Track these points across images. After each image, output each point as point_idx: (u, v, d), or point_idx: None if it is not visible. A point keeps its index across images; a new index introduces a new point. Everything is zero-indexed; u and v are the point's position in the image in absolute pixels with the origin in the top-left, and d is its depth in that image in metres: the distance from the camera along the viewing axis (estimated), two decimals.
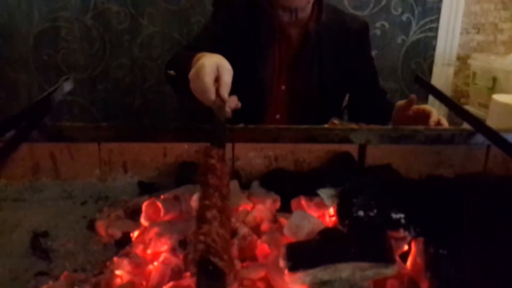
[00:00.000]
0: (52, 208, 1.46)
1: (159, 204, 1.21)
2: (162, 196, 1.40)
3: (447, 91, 3.92)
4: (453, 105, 1.74)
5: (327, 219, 1.27)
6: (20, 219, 1.38)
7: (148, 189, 1.59)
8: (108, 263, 1.16)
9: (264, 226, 1.30)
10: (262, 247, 1.14)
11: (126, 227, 1.25)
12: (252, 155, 1.66)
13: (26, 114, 1.57)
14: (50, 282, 1.08)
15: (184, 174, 1.61)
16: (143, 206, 1.22)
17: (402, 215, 1.08)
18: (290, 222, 1.14)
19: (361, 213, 1.15)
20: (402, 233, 1.06)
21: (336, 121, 2.19)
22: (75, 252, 1.22)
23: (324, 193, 1.22)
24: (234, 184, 1.50)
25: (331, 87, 2.17)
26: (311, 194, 1.29)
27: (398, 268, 0.97)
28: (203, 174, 1.04)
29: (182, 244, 1.12)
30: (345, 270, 0.93)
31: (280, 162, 1.67)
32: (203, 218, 0.88)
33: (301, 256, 0.95)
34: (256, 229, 1.30)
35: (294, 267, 0.93)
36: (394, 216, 1.08)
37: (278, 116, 2.22)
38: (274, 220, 1.33)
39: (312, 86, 2.15)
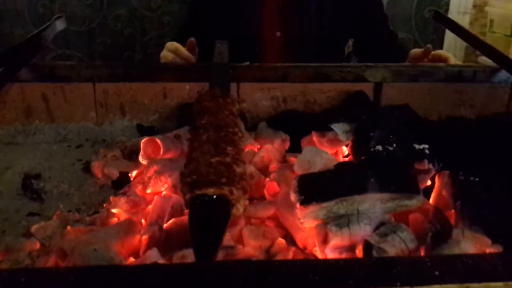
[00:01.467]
0: (46, 151, 1.37)
1: (159, 141, 1.11)
2: None
3: (462, 41, 3.75)
4: (475, 40, 1.61)
5: (340, 157, 1.17)
6: (11, 161, 1.29)
7: (147, 133, 1.49)
8: (105, 204, 1.08)
9: (273, 166, 1.20)
10: (270, 185, 1.05)
11: (123, 167, 1.16)
12: (259, 96, 1.55)
13: (15, 53, 1.46)
14: (42, 223, 0.99)
15: (186, 117, 1.50)
16: (141, 144, 1.13)
17: (426, 146, 0.98)
18: (301, 157, 1.04)
19: (379, 147, 1.04)
20: (426, 165, 0.95)
21: None
22: (69, 193, 1.14)
23: (339, 127, 1.12)
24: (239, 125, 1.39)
25: (332, 31, 2.01)
26: (321, 129, 1.18)
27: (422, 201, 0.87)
28: (195, 116, 0.94)
29: (183, 174, 1.02)
30: (363, 203, 0.84)
31: (289, 103, 1.56)
32: (188, 159, 0.78)
33: (314, 188, 0.85)
34: (264, 171, 1.21)
35: (306, 200, 0.84)
36: (417, 147, 0.97)
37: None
38: (284, 161, 1.24)
39: (310, 32, 1.99)
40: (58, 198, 1.11)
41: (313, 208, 0.84)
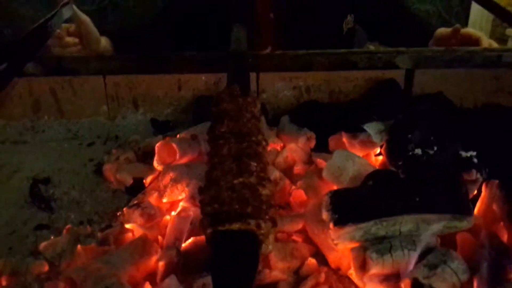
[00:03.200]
0: (56, 150, 1.29)
1: (174, 145, 1.02)
2: (178, 136, 1.22)
3: (489, 14, 3.55)
4: (503, 12, 1.46)
5: (373, 158, 1.07)
6: (19, 163, 1.22)
7: (162, 127, 1.41)
8: (118, 214, 1.00)
9: (298, 168, 1.11)
10: (297, 193, 0.96)
11: (137, 172, 1.07)
12: (280, 86, 1.44)
13: (20, 46, 1.37)
14: (52, 237, 0.92)
15: (202, 110, 1.41)
16: (156, 148, 1.04)
17: (473, 153, 0.87)
18: (330, 163, 0.94)
19: (418, 151, 0.94)
20: (474, 175, 0.85)
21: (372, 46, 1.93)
22: (81, 201, 1.06)
23: (371, 127, 1.01)
24: (261, 121, 1.29)
25: (326, 6, 1.83)
26: (352, 130, 1.07)
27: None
28: (214, 122, 0.84)
29: (201, 190, 0.93)
30: (406, 223, 0.74)
31: (313, 93, 1.45)
32: (207, 180, 0.69)
33: (349, 206, 0.76)
34: (288, 172, 1.12)
35: (340, 221, 0.74)
36: (464, 154, 0.87)
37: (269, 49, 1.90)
38: (309, 161, 1.14)
39: (303, 8, 1.81)
40: (69, 207, 1.04)
41: (348, 229, 0.75)
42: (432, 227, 0.74)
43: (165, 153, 1.05)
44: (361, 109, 1.29)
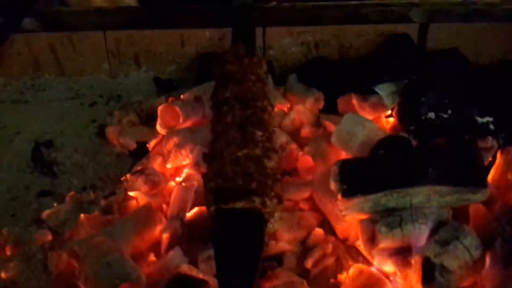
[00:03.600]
0: (57, 110, 1.26)
1: (177, 108, 0.99)
2: (181, 96, 1.18)
3: None
4: None
5: (384, 121, 1.03)
6: (20, 124, 1.19)
7: (165, 86, 1.36)
8: (122, 179, 0.98)
9: (305, 131, 1.07)
10: (304, 159, 0.93)
11: (140, 135, 1.05)
12: (287, 42, 1.38)
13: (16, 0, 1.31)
14: (55, 205, 0.91)
15: (207, 67, 1.36)
16: (159, 111, 1.00)
17: (490, 119, 0.83)
18: (339, 128, 0.90)
19: (431, 114, 0.90)
20: (490, 142, 0.81)
21: None
22: (83, 165, 1.04)
23: (383, 89, 0.97)
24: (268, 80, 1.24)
25: None
26: (362, 90, 1.03)
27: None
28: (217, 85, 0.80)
29: (207, 157, 0.90)
30: (417, 195, 0.71)
31: (322, 49, 1.39)
32: (211, 151, 0.66)
33: (358, 177, 0.73)
34: (295, 135, 1.08)
35: (349, 192, 0.72)
36: (479, 120, 0.82)
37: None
38: (317, 123, 1.10)
39: None
40: (72, 172, 1.02)
41: (357, 200, 0.73)
42: (445, 199, 0.71)
43: (168, 116, 1.01)
44: (372, 67, 1.24)
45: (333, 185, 0.74)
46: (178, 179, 0.95)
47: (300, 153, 0.94)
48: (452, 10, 1.34)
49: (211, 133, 0.73)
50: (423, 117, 0.90)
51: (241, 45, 1.00)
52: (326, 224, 0.83)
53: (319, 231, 0.79)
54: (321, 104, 1.13)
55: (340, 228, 0.80)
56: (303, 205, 0.87)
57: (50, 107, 1.27)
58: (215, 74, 0.92)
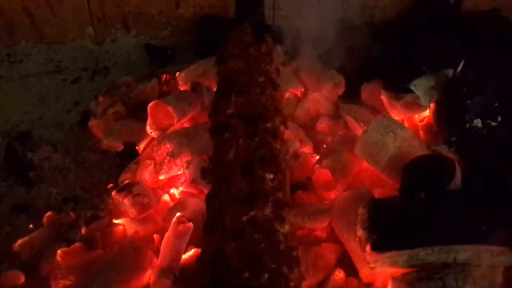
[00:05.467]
0: (36, 88, 1.10)
1: (171, 109, 0.82)
2: (177, 75, 1.00)
3: None
4: None
5: (417, 121, 0.86)
6: None
7: (159, 55, 1.18)
8: (108, 186, 0.85)
9: (322, 125, 0.91)
10: (322, 173, 0.78)
11: (128, 133, 0.89)
12: (301, 1, 1.17)
13: None
14: (31, 226, 0.78)
15: (206, 33, 1.17)
16: (149, 110, 0.84)
17: None
18: (366, 137, 0.75)
19: (477, 122, 0.74)
20: None
21: None
22: (64, 168, 0.90)
23: (420, 86, 0.79)
24: (276, 52, 1.06)
25: None
26: (393, 81, 0.85)
27: None
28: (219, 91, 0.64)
29: (206, 173, 0.76)
30: (464, 252, 0.57)
31: (342, 7, 1.18)
32: (209, 214, 0.51)
33: (393, 225, 0.59)
34: (310, 129, 0.92)
35: (381, 244, 0.58)
36: None
37: None
38: (335, 114, 0.94)
39: None
40: (51, 178, 0.88)
41: (390, 254, 0.59)
42: (498, 259, 0.57)
43: (161, 114, 0.85)
44: (400, 35, 1.04)
45: (360, 233, 0.61)
46: (173, 191, 0.81)
47: (317, 166, 0.78)
48: None
49: (211, 175, 0.58)
50: (467, 125, 0.73)
51: (246, 27, 0.81)
52: (346, 258, 0.70)
53: (339, 275, 0.66)
54: (340, 91, 0.96)
55: (364, 272, 0.67)
56: (320, 233, 0.74)
57: (27, 85, 1.11)
58: (217, 72, 0.75)
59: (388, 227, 0.60)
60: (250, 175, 0.55)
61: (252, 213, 0.51)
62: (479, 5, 1.16)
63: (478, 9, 1.16)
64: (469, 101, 0.75)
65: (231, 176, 0.55)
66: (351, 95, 0.96)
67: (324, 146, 0.89)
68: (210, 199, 0.55)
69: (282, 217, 0.52)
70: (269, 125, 0.64)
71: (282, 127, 0.66)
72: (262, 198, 0.53)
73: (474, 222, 0.57)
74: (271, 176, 0.56)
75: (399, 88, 0.81)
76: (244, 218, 0.50)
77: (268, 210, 0.52)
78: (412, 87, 0.79)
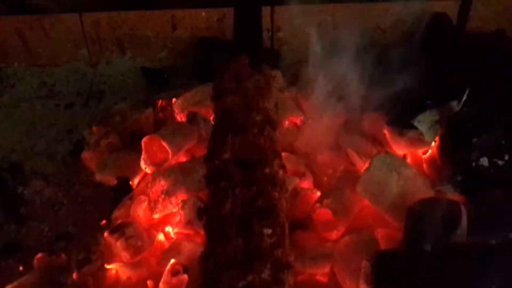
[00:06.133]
0: (28, 115, 1.07)
1: (166, 144, 0.79)
2: (173, 101, 0.97)
3: None
4: None
5: (420, 154, 0.83)
6: None
7: (155, 78, 1.15)
8: (101, 223, 0.82)
9: (322, 157, 0.88)
10: (323, 213, 0.75)
11: (122, 167, 0.87)
12: (301, 22, 1.14)
13: None
14: (20, 268, 0.75)
15: (204, 56, 1.14)
16: (143, 144, 0.81)
17: None
18: (368, 176, 0.72)
19: (484, 160, 0.71)
20: None
21: None
22: (56, 203, 0.87)
23: (424, 122, 0.77)
24: (274, 74, 1.03)
25: None
26: (396, 114, 0.82)
27: None
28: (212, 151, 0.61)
29: (202, 214, 0.73)
30: None
31: (342, 30, 1.15)
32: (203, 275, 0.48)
33: (398, 280, 0.55)
34: (309, 156, 0.90)
35: None
36: None
37: None
38: (336, 145, 0.91)
39: None
40: (42, 214, 0.85)
41: None
42: None
43: (155, 147, 0.82)
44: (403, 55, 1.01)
45: (363, 286, 0.57)
46: (167, 229, 0.78)
47: (317, 205, 0.75)
48: None
49: (205, 233, 0.55)
50: (473, 164, 0.70)
51: (244, 59, 0.78)
52: None
53: None
54: (341, 120, 0.93)
55: None
56: (322, 278, 0.71)
57: (19, 111, 1.08)
58: (213, 109, 0.72)
59: (392, 283, 0.57)
60: (247, 231, 0.52)
61: (250, 277, 0.48)
62: (484, 26, 1.14)
63: (483, 30, 1.14)
64: (475, 139, 0.71)
65: (226, 233, 0.52)
66: (351, 125, 0.93)
67: (325, 179, 0.87)
68: (204, 259, 0.52)
69: (281, 280, 0.49)
70: (267, 170, 0.61)
71: (281, 172, 0.63)
72: (260, 259, 0.50)
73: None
74: (269, 231, 0.53)
75: (402, 124, 0.78)
76: (240, 284, 0.47)
77: (266, 273, 0.49)
78: (416, 123, 0.76)
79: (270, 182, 0.59)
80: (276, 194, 0.59)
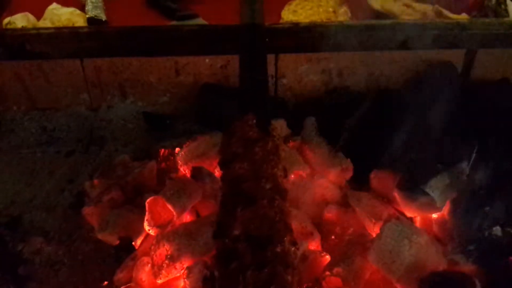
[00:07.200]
0: (28, 163, 1.04)
1: (170, 206, 0.77)
2: (176, 151, 0.96)
3: None
4: None
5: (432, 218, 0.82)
6: None
7: (157, 123, 1.13)
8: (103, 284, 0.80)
9: (330, 214, 0.87)
10: (333, 281, 0.73)
11: (124, 227, 0.84)
12: (305, 70, 1.14)
13: None
14: None
15: (207, 103, 1.13)
16: (147, 205, 0.79)
17: None
18: (379, 245, 0.71)
19: (497, 230, 0.70)
20: None
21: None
22: (57, 262, 0.85)
23: (435, 187, 0.75)
24: (279, 126, 1.02)
25: None
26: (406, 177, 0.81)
27: None
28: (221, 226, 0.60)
29: (208, 283, 0.71)
30: None
31: (346, 77, 1.15)
32: None
33: None
34: (315, 213, 0.88)
35: None
36: None
37: None
38: (343, 202, 0.90)
39: None
40: (42, 276, 0.83)
41: None
42: None
43: (159, 207, 0.81)
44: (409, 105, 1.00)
45: None
46: None
47: (327, 273, 0.74)
48: (507, 36, 1.09)
49: None
50: (486, 233, 0.69)
51: (250, 118, 0.76)
52: None
53: None
54: (348, 175, 0.92)
55: None
56: None
57: (19, 158, 1.06)
58: (221, 177, 0.70)
59: None
60: None
61: None
62: (488, 74, 1.14)
63: (487, 78, 1.14)
64: (487, 207, 0.70)
65: None
66: (359, 181, 0.92)
67: (333, 237, 0.85)
68: None
69: None
70: (279, 249, 0.59)
71: (292, 249, 0.61)
72: None
73: None
74: None
75: (412, 188, 0.77)
76: None
77: None
78: (428, 189, 0.75)
79: (282, 263, 0.58)
80: (289, 277, 0.57)
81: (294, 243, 0.62)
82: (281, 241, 0.60)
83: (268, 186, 0.68)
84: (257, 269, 0.56)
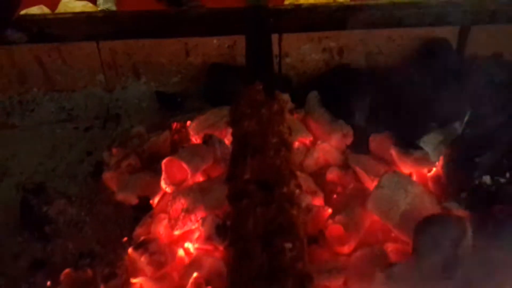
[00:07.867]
0: (49, 138, 1.12)
1: (184, 164, 0.84)
2: (188, 124, 1.03)
3: None
4: None
5: (426, 172, 0.88)
6: (8, 161, 1.06)
7: (169, 102, 1.20)
8: (123, 240, 0.86)
9: (332, 175, 0.93)
10: (335, 228, 0.79)
11: (142, 187, 0.91)
12: (307, 49, 1.20)
13: None
14: (48, 283, 0.79)
15: (215, 81, 1.20)
16: (163, 166, 0.86)
17: None
18: (377, 194, 0.77)
19: (486, 179, 0.76)
20: None
21: None
22: (79, 221, 0.91)
23: (429, 143, 0.82)
24: (284, 98, 1.08)
25: None
26: (402, 136, 0.87)
27: None
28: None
29: (221, 230, 0.78)
30: None
31: (346, 56, 1.22)
32: None
33: None
34: (319, 178, 0.94)
35: None
36: None
37: None
38: (344, 164, 0.96)
39: None
40: (66, 232, 0.89)
41: None
42: None
43: (175, 169, 0.87)
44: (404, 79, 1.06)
45: None
46: (187, 245, 0.83)
47: (330, 221, 0.80)
48: (498, 12, 1.15)
49: (229, 249, 0.59)
50: (476, 182, 0.75)
51: (258, 85, 0.83)
52: None
53: None
54: (349, 140, 0.99)
55: None
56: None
57: (39, 134, 1.13)
58: (232, 133, 0.77)
59: None
60: (268, 247, 0.57)
61: None
62: (482, 50, 1.19)
63: (480, 53, 1.20)
64: (477, 159, 0.76)
65: (251, 249, 0.57)
66: (359, 145, 0.98)
67: (335, 196, 0.92)
68: (231, 275, 0.57)
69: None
70: (285, 190, 0.66)
71: (297, 191, 0.67)
72: (283, 272, 0.54)
73: None
74: (290, 245, 0.58)
75: (408, 145, 0.83)
76: None
77: (289, 285, 0.53)
78: (421, 144, 0.81)
79: (288, 200, 0.64)
80: (295, 212, 0.63)
81: (298, 186, 0.69)
82: (287, 184, 0.67)
83: (274, 140, 0.74)
84: (265, 206, 0.62)
